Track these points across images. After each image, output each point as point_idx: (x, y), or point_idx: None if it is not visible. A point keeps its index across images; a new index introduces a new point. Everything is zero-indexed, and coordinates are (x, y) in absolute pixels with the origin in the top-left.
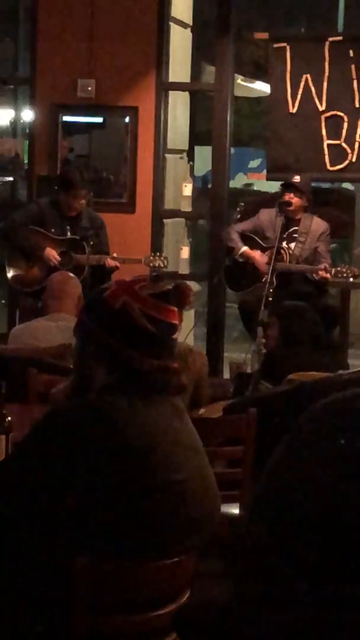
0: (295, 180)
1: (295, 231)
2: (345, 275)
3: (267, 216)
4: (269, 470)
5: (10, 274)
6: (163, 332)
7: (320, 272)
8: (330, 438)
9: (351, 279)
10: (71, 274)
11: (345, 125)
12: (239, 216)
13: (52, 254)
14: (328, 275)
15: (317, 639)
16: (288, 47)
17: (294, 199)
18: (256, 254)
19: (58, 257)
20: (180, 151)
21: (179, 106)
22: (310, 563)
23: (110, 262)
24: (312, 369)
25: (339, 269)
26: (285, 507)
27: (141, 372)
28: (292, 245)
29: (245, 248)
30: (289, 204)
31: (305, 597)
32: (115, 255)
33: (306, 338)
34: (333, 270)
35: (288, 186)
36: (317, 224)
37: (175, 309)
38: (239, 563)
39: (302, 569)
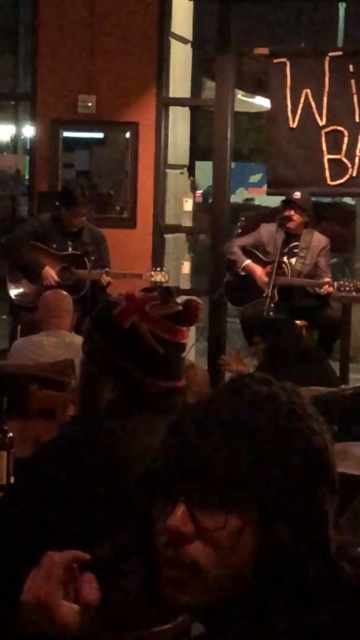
0: (296, 197)
1: (296, 246)
2: (348, 289)
3: (267, 231)
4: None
5: (11, 289)
6: (172, 353)
7: (324, 288)
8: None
9: (354, 293)
10: (64, 292)
11: (346, 139)
12: (239, 231)
13: (50, 274)
14: (331, 289)
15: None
16: (288, 63)
17: (294, 216)
18: (257, 269)
19: (56, 277)
20: (181, 166)
21: (179, 121)
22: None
23: (104, 279)
24: (300, 383)
25: (342, 282)
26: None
27: (148, 394)
28: (293, 260)
29: (248, 261)
30: (290, 219)
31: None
32: (107, 270)
33: (290, 352)
34: (336, 284)
35: (288, 203)
36: (318, 239)
37: (185, 328)
38: None
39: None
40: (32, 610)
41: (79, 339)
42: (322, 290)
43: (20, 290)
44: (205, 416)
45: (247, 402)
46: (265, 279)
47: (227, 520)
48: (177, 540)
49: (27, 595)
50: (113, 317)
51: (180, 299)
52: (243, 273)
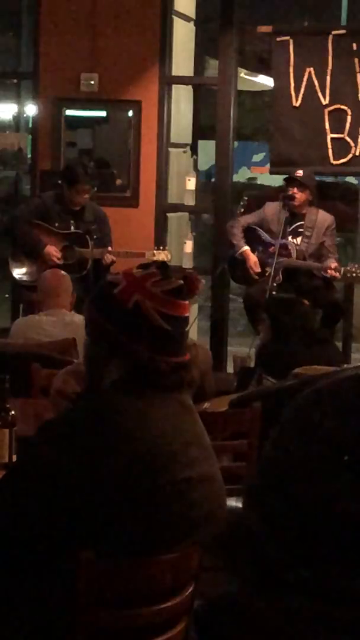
0: (298, 175)
1: (300, 225)
2: (354, 275)
3: (272, 209)
4: (260, 462)
5: (13, 268)
6: (176, 328)
7: (330, 272)
8: (315, 426)
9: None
10: (62, 272)
11: (349, 118)
12: (242, 210)
13: (52, 251)
14: (337, 275)
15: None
16: (291, 41)
17: (297, 194)
18: (251, 257)
19: (58, 255)
20: (183, 145)
21: (182, 100)
22: (302, 551)
23: (108, 257)
24: (304, 362)
25: (348, 268)
26: (275, 497)
27: (156, 371)
28: (298, 239)
29: (245, 248)
30: (293, 197)
31: (304, 585)
32: (110, 249)
33: (297, 331)
34: (342, 270)
35: (291, 181)
36: (323, 218)
37: (187, 302)
38: (235, 553)
39: (295, 557)
40: None
41: (79, 318)
42: (326, 274)
43: (22, 269)
44: None
45: None
46: (258, 269)
47: None
48: None
49: None
50: (115, 297)
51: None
52: (240, 258)
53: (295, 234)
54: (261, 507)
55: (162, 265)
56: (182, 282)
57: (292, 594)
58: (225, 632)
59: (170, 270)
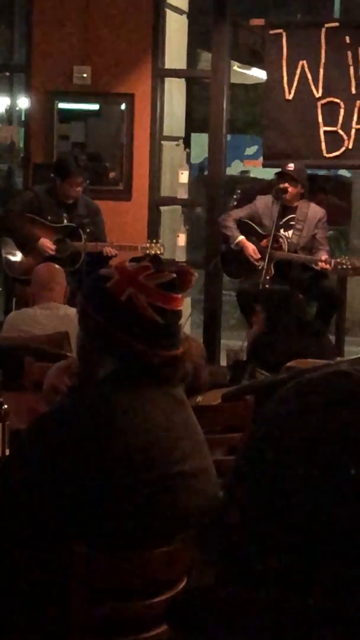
0: (289, 169)
1: (292, 219)
2: (345, 267)
3: (263, 203)
4: (238, 453)
5: (6, 261)
6: (170, 321)
7: (320, 264)
8: (299, 419)
9: (351, 271)
10: (56, 265)
11: (342, 111)
12: (235, 203)
13: (46, 243)
14: (328, 267)
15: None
16: (284, 34)
17: (289, 188)
18: (249, 246)
19: (52, 247)
20: (176, 138)
21: (175, 93)
22: (282, 546)
23: (108, 251)
24: (298, 356)
25: (339, 260)
26: (248, 488)
27: (150, 365)
28: (290, 232)
29: (241, 237)
30: (285, 191)
31: (275, 576)
32: (112, 242)
33: (292, 324)
34: (333, 262)
35: (282, 174)
36: (314, 211)
37: (181, 295)
38: (209, 543)
39: (274, 552)
40: None
41: (73, 311)
42: (317, 266)
43: (15, 263)
44: None
45: None
46: (257, 256)
47: None
48: None
49: None
50: (108, 291)
51: None
52: (236, 248)
53: (287, 227)
54: (235, 498)
55: (155, 258)
56: (175, 275)
57: (264, 584)
58: (199, 623)
59: (163, 263)
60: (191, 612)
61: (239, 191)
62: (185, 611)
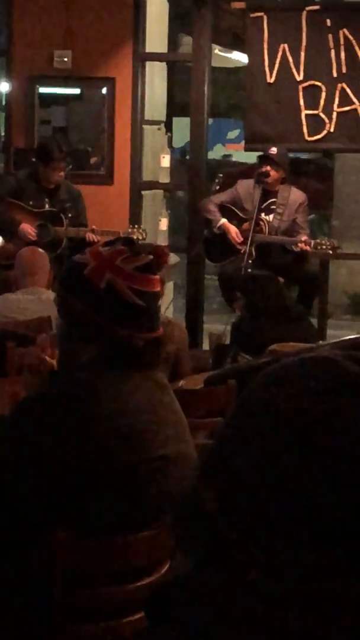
0: (272, 152)
1: (273, 203)
2: (325, 247)
3: (244, 187)
4: (216, 438)
5: None
6: (150, 304)
7: (300, 245)
8: (271, 405)
9: (330, 252)
10: (39, 249)
11: (323, 95)
12: (217, 187)
13: (28, 229)
14: (308, 248)
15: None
16: (265, 17)
17: (271, 171)
18: (232, 228)
19: (34, 232)
20: (158, 122)
21: (156, 77)
22: (253, 530)
23: (90, 236)
24: (279, 340)
25: (318, 241)
26: (226, 475)
27: (132, 348)
28: (270, 216)
29: (223, 220)
30: (267, 174)
31: (256, 564)
32: (94, 228)
33: (271, 309)
34: (313, 243)
35: (264, 158)
36: (295, 195)
37: (158, 276)
38: (188, 530)
39: (251, 536)
40: None
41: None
42: (297, 248)
43: None
44: None
45: None
46: (240, 238)
47: None
48: None
49: None
50: (85, 277)
51: None
52: (218, 232)
53: (268, 211)
54: (214, 485)
55: (128, 240)
56: (151, 257)
57: (244, 572)
58: (177, 611)
59: (135, 244)
60: (169, 603)
61: (221, 175)
62: (164, 603)
